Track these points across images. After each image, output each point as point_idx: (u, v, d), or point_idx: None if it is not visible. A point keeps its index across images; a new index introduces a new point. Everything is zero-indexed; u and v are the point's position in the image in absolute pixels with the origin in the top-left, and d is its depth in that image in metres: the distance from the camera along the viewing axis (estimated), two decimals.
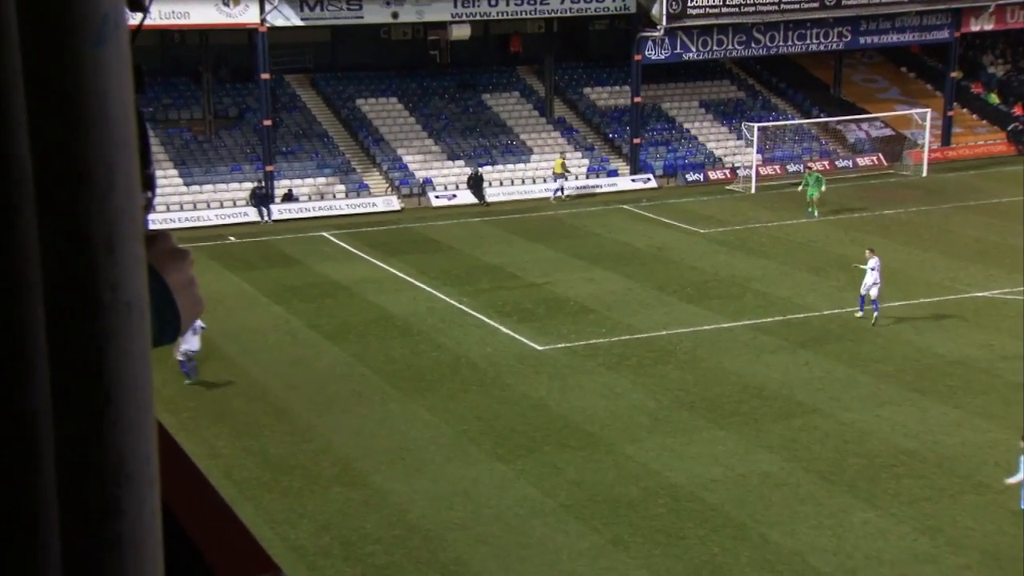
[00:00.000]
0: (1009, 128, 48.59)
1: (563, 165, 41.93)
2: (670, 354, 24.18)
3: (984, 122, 50.19)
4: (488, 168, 42.72)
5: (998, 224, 35.04)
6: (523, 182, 42.60)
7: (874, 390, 21.76)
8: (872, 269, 25.03)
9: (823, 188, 37.58)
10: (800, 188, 38.22)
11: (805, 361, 23.56)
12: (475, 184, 40.92)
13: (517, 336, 25.33)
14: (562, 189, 41.05)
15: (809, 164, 42.41)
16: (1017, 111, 50.06)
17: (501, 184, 42.27)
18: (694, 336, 25.35)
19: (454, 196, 40.64)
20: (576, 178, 42.97)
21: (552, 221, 37.62)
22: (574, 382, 21.72)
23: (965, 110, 50.64)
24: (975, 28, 46.68)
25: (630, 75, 44.32)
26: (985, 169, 44.81)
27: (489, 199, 40.82)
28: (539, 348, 24.55)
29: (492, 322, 26.36)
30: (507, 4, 40.76)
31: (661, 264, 31.80)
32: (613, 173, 44.19)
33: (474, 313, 27.02)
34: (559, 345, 24.60)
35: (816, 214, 36.76)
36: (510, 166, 43.55)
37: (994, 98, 51.11)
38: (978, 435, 19.61)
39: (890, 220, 36.41)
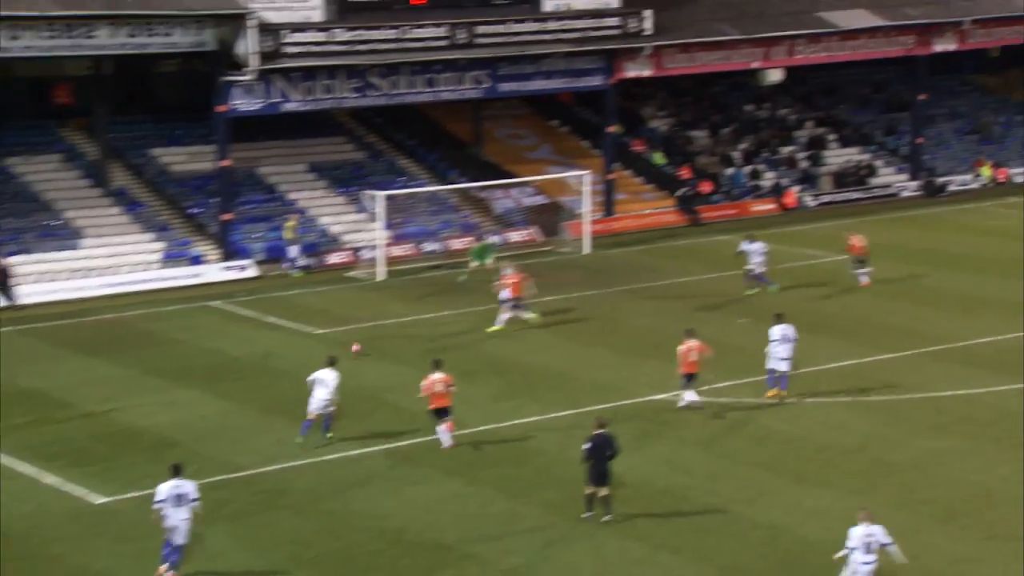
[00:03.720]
0: (678, 194, 53.55)
1: (294, 229, 42.95)
2: (282, 495, 24.02)
3: (650, 186, 54.96)
4: (19, 258, 41.03)
5: (674, 309, 38.27)
6: (71, 276, 41.34)
7: (540, 523, 22.73)
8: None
9: (488, 260, 40.96)
10: (473, 266, 41.31)
11: (455, 493, 24.23)
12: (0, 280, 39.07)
13: (69, 486, 24.29)
14: (295, 260, 42.03)
15: (479, 237, 44.02)
16: (684, 173, 55.41)
17: (39, 279, 40.74)
18: (314, 469, 25.37)
19: None
20: (145, 268, 42.13)
21: (117, 327, 36.57)
22: (153, 545, 20.94)
23: (628, 172, 55.21)
24: (631, 74, 51.29)
25: (214, 131, 44.39)
26: (655, 243, 48.86)
27: (21, 300, 39.13)
28: (101, 501, 23.61)
29: (32, 469, 25.14)
30: (36, 37, 39.45)
31: (267, 377, 31.77)
32: (197, 260, 43.75)
33: (5, 459, 25.61)
34: (129, 495, 23.80)
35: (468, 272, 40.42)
36: (51, 255, 42.10)
37: (659, 158, 56.22)
38: (662, 572, 21.05)
39: (550, 309, 38.56)
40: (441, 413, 26.48)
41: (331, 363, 27.08)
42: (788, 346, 29.53)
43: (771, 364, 29.61)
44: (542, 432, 27.58)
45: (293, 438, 26.87)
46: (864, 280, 40.69)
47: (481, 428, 27.73)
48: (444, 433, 26.52)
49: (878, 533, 19.64)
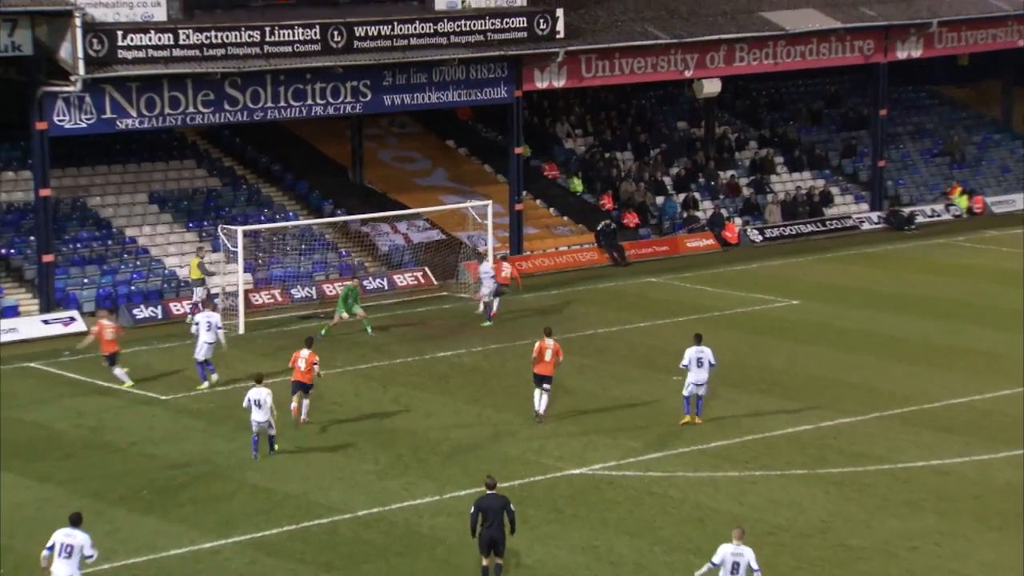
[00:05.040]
0: (599, 227, 53.88)
1: (200, 266, 43.15)
2: None
3: (564, 218, 55.30)
4: None
5: (595, 366, 38.41)
6: None
7: None
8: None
9: (357, 310, 41.24)
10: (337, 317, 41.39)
11: None
12: None
13: None
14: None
15: (348, 281, 43.68)
16: (606, 203, 55.82)
17: None
18: (155, 567, 24.95)
19: None
20: None
21: None
22: None
23: (539, 202, 55.54)
24: (541, 85, 51.68)
25: (31, 154, 43.82)
26: (571, 286, 49.09)
27: None
28: None
29: None
30: None
31: (100, 454, 31.43)
32: (12, 311, 43.10)
33: None
34: None
35: (369, 330, 41.49)
36: None
37: (576, 184, 56.63)
38: None
39: (446, 366, 38.55)
40: (304, 388, 32.74)
41: (258, 380, 31.08)
42: (705, 370, 32.66)
43: (687, 390, 32.87)
44: (438, 516, 27.44)
45: (131, 530, 26.44)
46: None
47: (364, 512, 27.53)
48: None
49: (748, 555, 21.64)
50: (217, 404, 35.02)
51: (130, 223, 48.01)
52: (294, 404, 32.78)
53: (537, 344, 33.35)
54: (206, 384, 36.56)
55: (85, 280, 44.94)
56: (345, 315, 41.39)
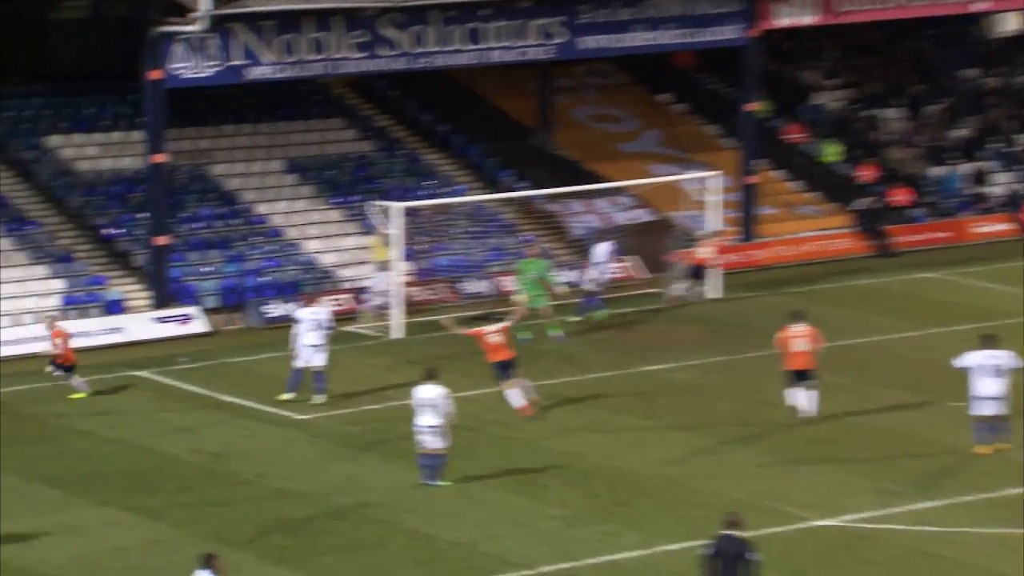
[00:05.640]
0: (857, 206, 53.31)
1: (385, 244, 43.97)
2: None
3: (814, 195, 54.76)
4: None
5: (849, 386, 37.86)
6: None
7: None
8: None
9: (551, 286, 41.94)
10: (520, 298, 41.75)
11: None
12: None
13: None
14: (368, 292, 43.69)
15: (533, 254, 44.34)
16: (867, 175, 55.15)
17: None
18: None
19: None
20: (35, 319, 42.40)
21: None
22: None
23: (779, 174, 55.10)
24: (784, 23, 51.32)
25: (143, 111, 44.69)
26: (820, 283, 48.67)
27: None
28: None
29: None
30: None
31: (221, 487, 31.86)
32: (116, 307, 44.09)
33: None
34: None
35: (560, 333, 41.97)
36: None
37: (829, 151, 56.05)
38: None
39: (653, 383, 38.50)
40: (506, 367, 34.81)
41: (431, 376, 31.20)
42: (1004, 381, 32.18)
43: (976, 409, 32.44)
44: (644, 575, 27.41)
45: None
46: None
47: (548, 568, 27.55)
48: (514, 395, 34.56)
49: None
50: (365, 427, 35.36)
51: (261, 197, 48.77)
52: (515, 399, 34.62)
53: (779, 334, 33.66)
54: (291, 395, 37.05)
55: (205, 269, 45.78)
56: (528, 301, 41.39)
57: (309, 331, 36.73)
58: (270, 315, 44.46)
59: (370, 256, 45.49)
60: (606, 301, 45.01)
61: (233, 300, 44.96)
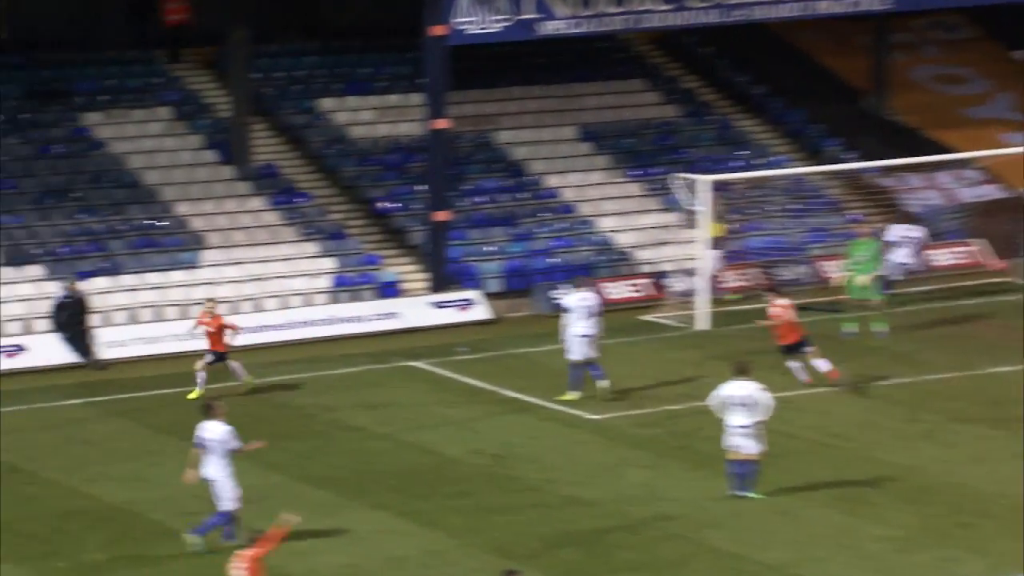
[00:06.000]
0: None
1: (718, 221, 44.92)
2: None
3: None
4: (100, 282, 43.07)
5: None
6: (183, 313, 42.67)
7: None
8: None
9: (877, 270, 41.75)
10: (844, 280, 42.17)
11: None
12: (66, 318, 41.31)
13: None
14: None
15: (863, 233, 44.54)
16: None
17: (132, 318, 42.75)
18: None
19: None
20: (304, 302, 43.86)
21: (257, 402, 37.83)
22: None
23: None
24: None
25: (424, 71, 45.58)
26: None
27: (102, 353, 41.34)
28: None
29: None
30: None
31: (504, 493, 32.38)
32: (391, 290, 45.24)
33: None
34: None
35: (885, 328, 41.83)
36: (153, 277, 43.94)
37: None
38: None
39: (1004, 392, 37.97)
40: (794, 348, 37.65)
41: (742, 371, 31.44)
42: None
43: None
44: None
45: None
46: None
47: None
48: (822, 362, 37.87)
49: None
50: (665, 429, 35.65)
51: (551, 168, 49.31)
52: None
53: None
54: (575, 394, 37.36)
55: (488, 248, 46.54)
56: (856, 287, 41.75)
57: (579, 320, 37.19)
58: (560, 301, 45.02)
59: (698, 235, 44.89)
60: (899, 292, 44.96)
61: (519, 284, 45.65)
